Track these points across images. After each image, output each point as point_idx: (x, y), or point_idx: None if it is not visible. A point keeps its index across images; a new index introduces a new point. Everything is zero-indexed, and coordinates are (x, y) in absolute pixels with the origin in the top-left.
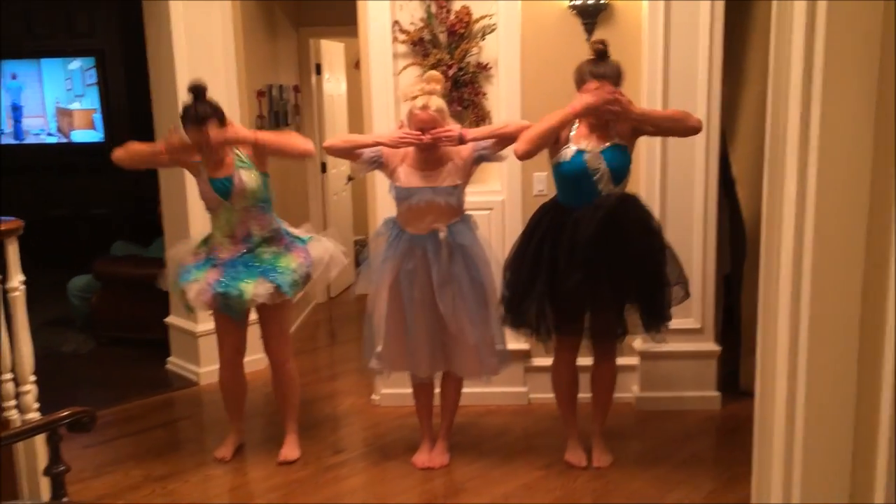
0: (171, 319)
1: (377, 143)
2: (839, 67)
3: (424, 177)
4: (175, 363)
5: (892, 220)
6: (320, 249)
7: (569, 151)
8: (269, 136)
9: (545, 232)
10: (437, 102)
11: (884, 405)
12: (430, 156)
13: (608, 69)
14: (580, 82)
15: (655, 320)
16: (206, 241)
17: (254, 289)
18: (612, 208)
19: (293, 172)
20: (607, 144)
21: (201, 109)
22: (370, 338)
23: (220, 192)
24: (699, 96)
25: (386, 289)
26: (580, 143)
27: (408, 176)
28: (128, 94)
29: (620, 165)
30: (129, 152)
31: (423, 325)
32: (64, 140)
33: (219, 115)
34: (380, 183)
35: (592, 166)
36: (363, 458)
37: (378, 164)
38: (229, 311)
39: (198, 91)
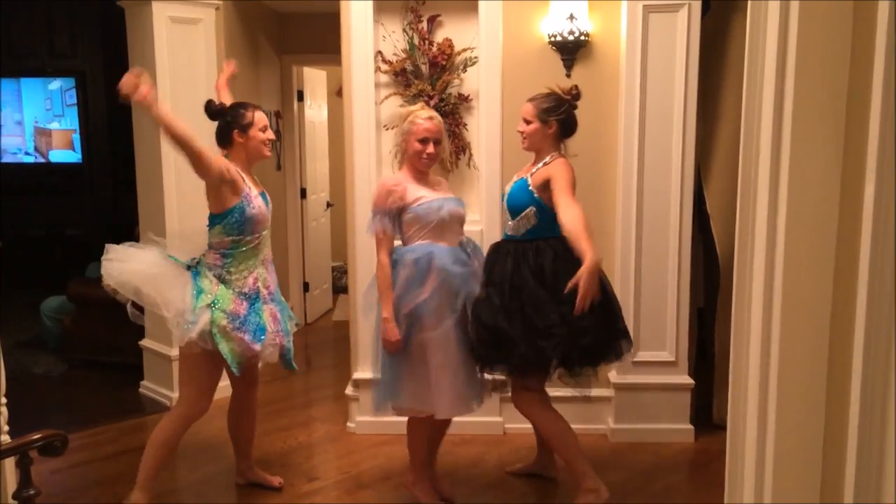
0: (145, 342)
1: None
2: (809, 110)
3: (437, 192)
4: (148, 387)
5: (860, 255)
6: None
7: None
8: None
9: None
10: (439, 117)
11: (851, 439)
12: (427, 171)
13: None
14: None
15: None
16: (213, 280)
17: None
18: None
19: (272, 195)
20: (517, 178)
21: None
22: (391, 381)
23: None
24: (674, 132)
25: (453, 330)
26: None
27: (423, 191)
28: (108, 115)
29: (514, 201)
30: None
31: (463, 348)
32: (41, 160)
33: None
34: (360, 210)
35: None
36: (337, 487)
37: (400, 207)
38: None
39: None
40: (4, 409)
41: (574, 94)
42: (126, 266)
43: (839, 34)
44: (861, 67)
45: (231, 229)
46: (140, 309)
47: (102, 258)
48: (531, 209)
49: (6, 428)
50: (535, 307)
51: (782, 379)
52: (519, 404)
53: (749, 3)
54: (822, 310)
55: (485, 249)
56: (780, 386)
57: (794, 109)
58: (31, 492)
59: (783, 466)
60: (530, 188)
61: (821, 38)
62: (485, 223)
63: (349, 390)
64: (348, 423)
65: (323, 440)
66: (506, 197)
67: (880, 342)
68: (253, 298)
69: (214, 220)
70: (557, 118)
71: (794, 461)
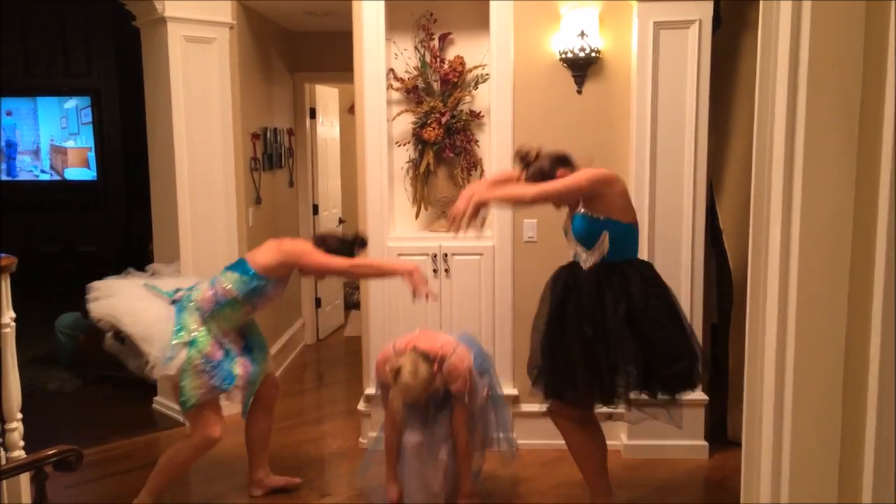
0: None
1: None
2: (821, 126)
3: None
4: (161, 403)
5: (874, 270)
6: None
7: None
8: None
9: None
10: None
11: (867, 456)
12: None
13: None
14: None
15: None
16: (188, 329)
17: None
18: (569, 277)
19: (284, 211)
20: (577, 211)
21: None
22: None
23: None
24: (686, 148)
25: None
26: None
27: None
28: (122, 133)
29: (581, 231)
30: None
31: None
32: (57, 178)
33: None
34: (372, 226)
35: (566, 229)
36: (349, 502)
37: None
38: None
39: None
40: (19, 425)
41: (525, 155)
42: (112, 301)
43: (851, 36)
44: (874, 72)
45: (242, 288)
46: (120, 339)
47: (87, 296)
48: (604, 234)
49: (21, 443)
50: (616, 340)
51: (797, 394)
52: (557, 421)
53: (761, 4)
54: (838, 324)
55: (494, 262)
56: (796, 401)
57: (807, 118)
58: None
59: (799, 483)
60: (591, 216)
61: (833, 41)
62: (496, 239)
63: (361, 406)
64: (360, 439)
65: (335, 456)
66: (572, 231)
67: None
68: (228, 348)
69: (243, 269)
70: (538, 169)
71: (810, 478)
